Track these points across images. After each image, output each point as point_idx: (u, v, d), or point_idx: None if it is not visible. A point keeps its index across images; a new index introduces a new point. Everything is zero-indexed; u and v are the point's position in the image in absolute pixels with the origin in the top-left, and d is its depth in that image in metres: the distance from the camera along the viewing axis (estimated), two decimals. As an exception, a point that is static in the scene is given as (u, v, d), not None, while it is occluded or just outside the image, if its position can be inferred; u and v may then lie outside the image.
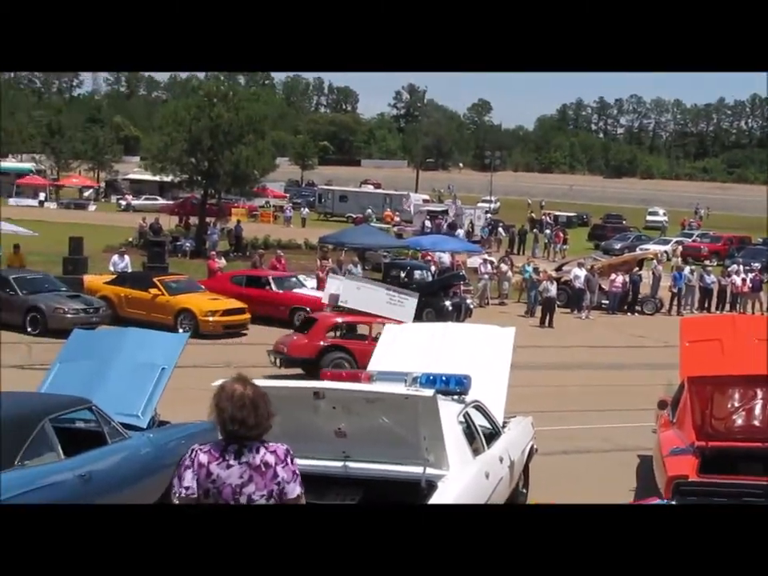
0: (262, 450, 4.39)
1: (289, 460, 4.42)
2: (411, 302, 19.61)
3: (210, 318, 21.37)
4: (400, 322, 16.40)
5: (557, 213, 66.32)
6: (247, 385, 4.43)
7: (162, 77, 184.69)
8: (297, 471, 4.45)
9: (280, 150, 70.30)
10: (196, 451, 4.44)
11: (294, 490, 4.40)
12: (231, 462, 4.36)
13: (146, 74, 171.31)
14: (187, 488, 4.39)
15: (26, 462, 7.35)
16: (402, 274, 27.53)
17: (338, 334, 18.17)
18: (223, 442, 4.41)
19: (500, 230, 50.12)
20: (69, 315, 20.24)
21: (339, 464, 7.51)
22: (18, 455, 7.29)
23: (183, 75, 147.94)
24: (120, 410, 9.09)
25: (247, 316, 22.22)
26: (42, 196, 66.42)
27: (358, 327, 18.68)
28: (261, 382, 4.70)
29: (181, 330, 20.19)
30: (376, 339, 18.17)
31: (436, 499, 7.09)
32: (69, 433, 8.19)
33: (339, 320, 18.49)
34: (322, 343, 17.47)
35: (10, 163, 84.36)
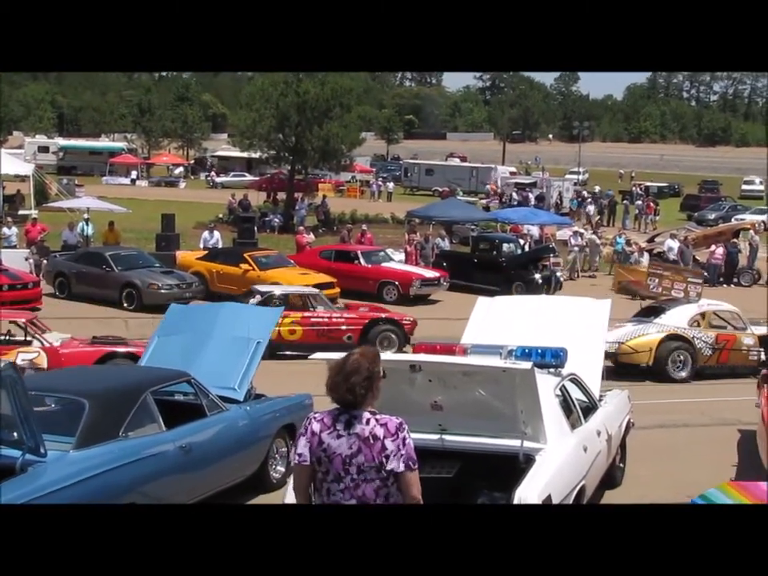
0: (372, 422, 4.39)
1: (399, 433, 4.39)
2: None
3: (300, 293, 21.52)
4: None
5: (647, 183, 65.02)
6: (356, 354, 4.45)
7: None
8: (404, 446, 4.39)
9: (366, 124, 70.33)
10: (311, 419, 4.49)
11: (392, 463, 4.38)
12: (341, 432, 4.39)
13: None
14: (300, 455, 4.46)
15: (129, 434, 7.50)
16: (490, 248, 27.29)
17: None
18: (336, 411, 4.43)
19: (588, 201, 49.24)
20: (163, 291, 20.65)
21: (435, 437, 7.48)
22: (122, 427, 7.44)
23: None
24: (217, 383, 9.21)
25: (336, 290, 22.28)
26: (133, 174, 67.77)
27: None
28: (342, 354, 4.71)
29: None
30: None
31: (534, 472, 7.01)
32: (169, 405, 8.33)
33: None
34: None
35: (102, 143, 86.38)
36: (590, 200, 47.62)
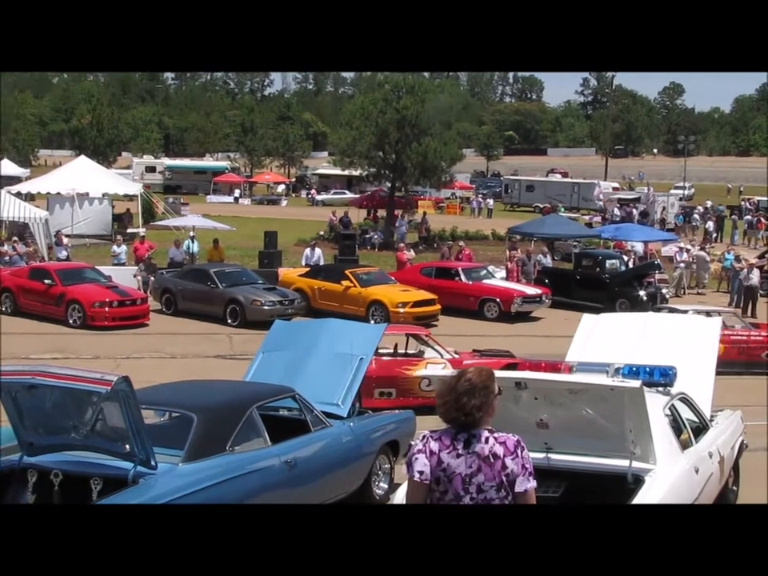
0: (491, 441, 4.32)
1: (519, 452, 4.33)
2: None
3: (401, 309, 21.54)
4: None
5: (758, 198, 63.12)
6: (469, 373, 4.39)
7: (349, 73, 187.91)
8: (528, 465, 4.35)
9: (465, 140, 70.37)
10: (428, 438, 4.43)
11: (523, 485, 4.31)
12: (461, 451, 4.33)
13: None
14: (421, 472, 4.38)
15: (235, 448, 7.59)
16: (593, 264, 26.88)
17: None
18: (452, 430, 4.37)
19: (696, 216, 48.10)
20: (266, 307, 20.91)
21: (541, 455, 7.36)
22: (229, 441, 7.54)
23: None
24: (320, 399, 9.25)
25: (437, 307, 22.29)
26: (237, 193, 69.11)
27: None
28: (452, 372, 4.66)
29: (372, 321, 20.48)
30: None
31: (643, 494, 6.85)
32: (274, 420, 8.40)
33: None
34: None
35: (206, 162, 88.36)
36: (705, 214, 46.51)
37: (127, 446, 6.63)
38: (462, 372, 4.45)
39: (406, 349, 14.81)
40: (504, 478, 4.29)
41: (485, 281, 24.06)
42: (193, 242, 27.78)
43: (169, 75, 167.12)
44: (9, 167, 55.91)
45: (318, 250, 27.73)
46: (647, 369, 8.58)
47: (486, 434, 4.34)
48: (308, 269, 25.16)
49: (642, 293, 24.17)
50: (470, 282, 23.76)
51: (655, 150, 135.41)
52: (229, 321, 21.08)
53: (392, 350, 14.72)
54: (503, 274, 26.33)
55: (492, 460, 4.29)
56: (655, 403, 7.78)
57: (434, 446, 4.37)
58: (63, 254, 27.39)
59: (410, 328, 16.19)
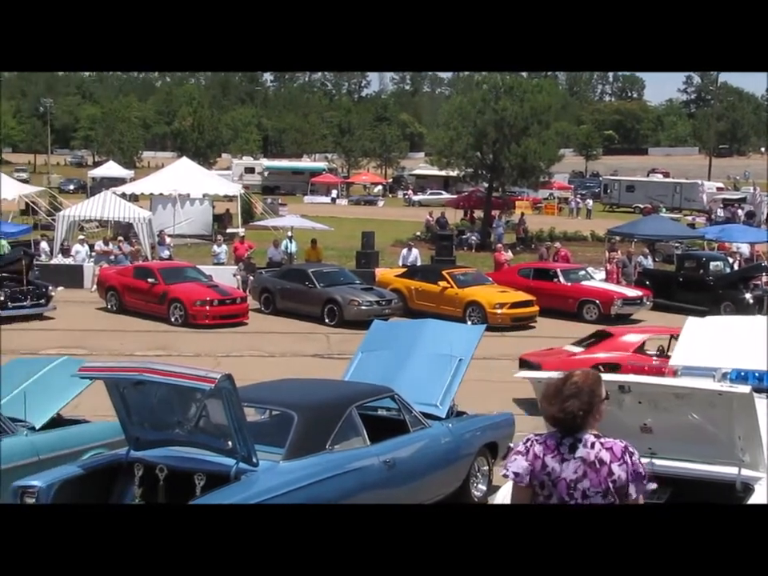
0: (597, 446, 4.23)
1: (627, 458, 4.22)
2: None
3: (499, 311, 21.39)
4: None
5: None
6: (576, 377, 4.31)
7: (446, 73, 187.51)
8: (637, 471, 4.24)
9: (564, 140, 69.50)
10: (532, 441, 4.36)
11: (629, 492, 4.22)
12: (566, 455, 4.24)
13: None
14: (517, 474, 4.33)
15: (335, 447, 7.62)
16: (697, 266, 26.24)
17: None
18: (558, 434, 4.30)
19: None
20: (363, 307, 21.00)
21: (645, 461, 7.13)
22: (328, 440, 7.57)
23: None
24: (419, 399, 9.22)
25: (536, 308, 22.05)
26: (334, 193, 69.76)
27: None
28: (557, 374, 4.57)
29: (469, 322, 20.39)
30: None
31: (753, 503, 6.62)
32: (372, 420, 8.42)
33: None
34: None
35: (304, 163, 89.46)
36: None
37: (230, 443, 6.73)
38: (569, 375, 4.36)
39: (667, 350, 14.42)
40: (611, 485, 4.19)
41: (584, 282, 23.71)
42: (291, 242, 28.11)
43: (267, 77, 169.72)
44: (114, 169, 57.90)
45: (414, 251, 27.75)
46: (756, 374, 8.35)
47: (592, 438, 4.25)
48: (405, 269, 25.19)
49: (747, 296, 23.48)
50: (569, 284, 23.45)
51: (762, 149, 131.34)
52: (326, 320, 21.22)
53: (656, 353, 14.49)
54: (603, 275, 25.94)
55: (598, 466, 4.20)
56: (765, 409, 7.53)
57: (537, 449, 4.30)
58: (166, 253, 28.06)
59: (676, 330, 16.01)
